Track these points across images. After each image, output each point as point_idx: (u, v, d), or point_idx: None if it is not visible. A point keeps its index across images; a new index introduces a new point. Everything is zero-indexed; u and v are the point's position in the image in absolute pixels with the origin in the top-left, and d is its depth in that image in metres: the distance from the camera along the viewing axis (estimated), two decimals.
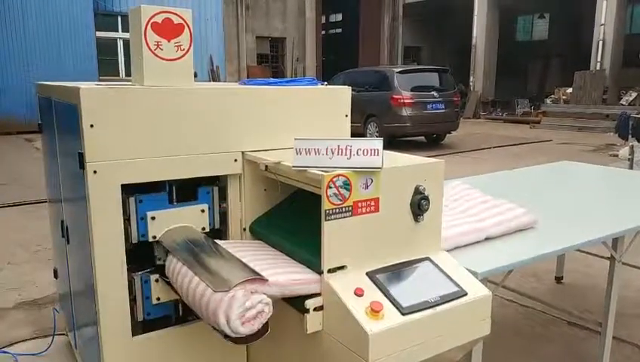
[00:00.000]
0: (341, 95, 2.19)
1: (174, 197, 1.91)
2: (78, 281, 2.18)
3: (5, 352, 2.75)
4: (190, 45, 1.93)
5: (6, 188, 6.93)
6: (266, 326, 1.57)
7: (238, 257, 1.72)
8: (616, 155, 9.99)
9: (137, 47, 1.88)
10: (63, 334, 2.85)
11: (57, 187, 2.38)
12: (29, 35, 12.67)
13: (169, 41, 1.88)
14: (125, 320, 1.81)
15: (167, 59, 1.89)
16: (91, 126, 1.68)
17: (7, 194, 6.52)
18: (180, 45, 1.91)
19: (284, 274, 1.67)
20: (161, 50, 1.87)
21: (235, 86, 2.07)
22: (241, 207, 2.02)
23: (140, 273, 1.87)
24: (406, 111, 10.80)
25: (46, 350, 2.75)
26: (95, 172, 1.70)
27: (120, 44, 14.54)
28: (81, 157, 1.71)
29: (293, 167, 1.67)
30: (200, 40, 14.87)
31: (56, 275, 2.84)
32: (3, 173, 7.87)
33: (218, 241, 1.87)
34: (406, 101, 10.81)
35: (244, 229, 2.05)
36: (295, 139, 1.68)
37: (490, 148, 11.45)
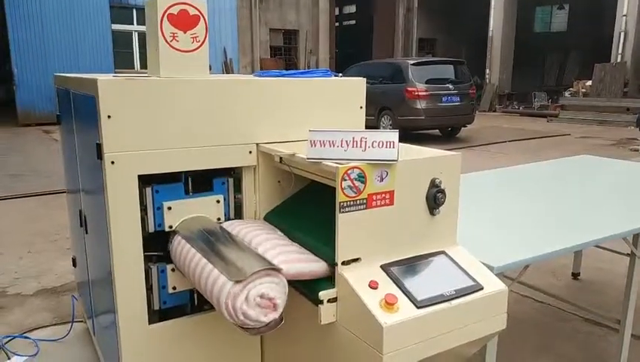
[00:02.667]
0: (356, 86, 2.18)
1: (190, 187, 1.93)
2: (96, 270, 2.21)
3: (26, 338, 2.81)
4: (206, 37, 1.93)
5: (25, 178, 7.05)
6: (280, 317, 1.58)
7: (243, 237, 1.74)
8: (637, 150, 9.80)
9: (153, 38, 1.88)
10: (82, 321, 2.90)
11: (75, 177, 2.41)
12: (46, 29, 12.82)
13: (185, 33, 1.89)
14: (142, 309, 1.83)
15: (183, 51, 1.89)
16: (109, 117, 1.69)
17: (27, 184, 6.64)
18: (195, 37, 1.91)
19: (290, 254, 1.68)
20: (177, 41, 1.87)
21: (250, 78, 2.07)
22: (255, 199, 2.03)
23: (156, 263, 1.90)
24: (420, 104, 10.69)
25: (65, 336, 2.80)
26: (113, 162, 1.72)
27: (135, 36, 14.63)
28: (98, 148, 1.73)
29: (308, 158, 1.66)
30: (214, 32, 14.88)
31: (74, 264, 2.89)
32: (23, 164, 8.01)
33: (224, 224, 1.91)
34: (420, 94, 10.69)
35: None
36: (309, 130, 1.68)
37: (506, 141, 11.31)
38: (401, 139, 1.62)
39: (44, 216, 5.27)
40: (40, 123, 12.21)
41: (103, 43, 13.53)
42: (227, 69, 15.50)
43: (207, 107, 1.85)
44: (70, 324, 2.86)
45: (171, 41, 1.87)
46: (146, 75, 1.99)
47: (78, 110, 2.16)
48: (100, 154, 1.73)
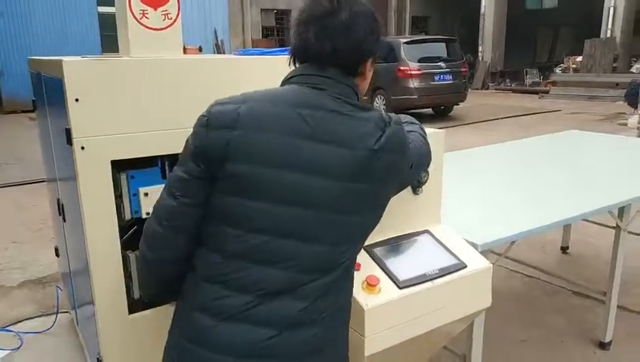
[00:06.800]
0: None
1: (167, 172, 1.87)
2: (75, 260, 2.16)
3: (9, 331, 2.77)
4: (178, 13, 1.86)
5: (10, 167, 6.94)
6: None
7: None
8: (625, 124, 9.80)
9: (122, 16, 1.81)
10: (67, 312, 2.86)
11: (52, 165, 2.35)
12: (31, 13, 12.52)
13: (155, 10, 1.81)
14: (121, 298, 1.79)
15: (154, 29, 1.82)
16: (76, 100, 1.62)
17: (12, 173, 6.53)
18: (167, 14, 1.83)
19: None
20: (147, 19, 1.80)
21: (227, 57, 2.00)
22: None
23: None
24: (413, 83, 10.59)
25: (50, 328, 2.76)
26: (83, 148, 1.65)
27: None
28: (68, 133, 1.66)
29: None
30: (204, 14, 14.61)
31: (57, 253, 2.84)
32: (7, 152, 7.88)
33: None
34: (413, 72, 10.60)
35: None
36: None
37: (498, 119, 11.28)
38: None
39: (29, 205, 5.19)
40: (25, 110, 11.96)
41: (89, 26, 13.22)
42: (219, 50, 15.23)
43: (181, 88, 1.78)
44: (55, 315, 2.82)
45: (141, 18, 1.79)
46: (117, 55, 1.92)
47: (49, 94, 2.09)
48: (69, 140, 1.66)
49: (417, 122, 1.50)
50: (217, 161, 1.09)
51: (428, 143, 1.44)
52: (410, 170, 1.27)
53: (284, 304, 1.11)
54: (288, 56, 1.27)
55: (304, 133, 1.10)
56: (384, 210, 1.24)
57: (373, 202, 1.18)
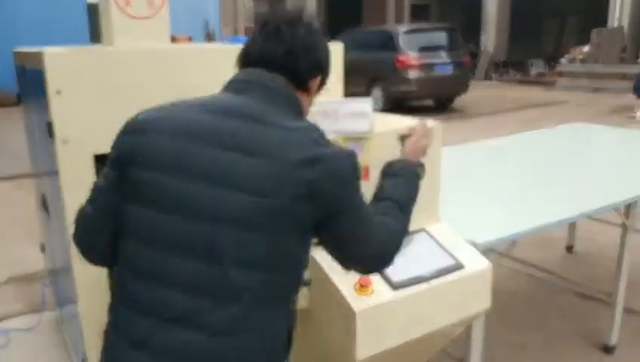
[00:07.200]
0: (332, 53, 2.02)
1: None
2: (59, 257, 2.11)
3: None
4: (164, 1, 1.78)
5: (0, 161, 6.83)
6: None
7: None
8: (634, 117, 9.66)
9: (105, 4, 1.73)
10: (54, 310, 2.80)
11: (36, 159, 2.29)
12: (17, 5, 12.36)
13: None
14: (104, 297, 1.71)
15: (139, 17, 1.74)
16: (58, 92, 1.56)
17: (1, 166, 6.41)
18: (152, 1, 1.75)
19: None
20: (131, 7, 1.72)
21: (216, 45, 1.92)
22: None
23: None
24: (412, 74, 10.32)
25: (36, 326, 2.71)
26: (65, 141, 1.59)
27: None
28: (49, 126, 1.60)
29: None
30: (194, 3, 14.38)
31: (43, 250, 2.78)
32: None
33: None
34: (412, 63, 10.36)
35: None
36: None
37: (502, 111, 11.13)
38: (393, 111, 1.51)
39: (18, 200, 5.06)
40: (15, 104, 11.91)
41: (77, 16, 13.01)
42: (210, 39, 15.04)
43: (166, 78, 1.70)
44: (41, 314, 2.76)
45: (125, 6, 1.72)
46: (101, 45, 1.85)
47: (32, 87, 2.02)
48: (51, 133, 1.60)
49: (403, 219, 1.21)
50: (126, 167, 1.05)
51: (395, 241, 1.15)
52: (350, 223, 1.06)
53: (185, 334, 0.98)
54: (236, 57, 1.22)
55: (221, 144, 1.01)
56: (311, 237, 1.09)
57: (292, 223, 1.01)
